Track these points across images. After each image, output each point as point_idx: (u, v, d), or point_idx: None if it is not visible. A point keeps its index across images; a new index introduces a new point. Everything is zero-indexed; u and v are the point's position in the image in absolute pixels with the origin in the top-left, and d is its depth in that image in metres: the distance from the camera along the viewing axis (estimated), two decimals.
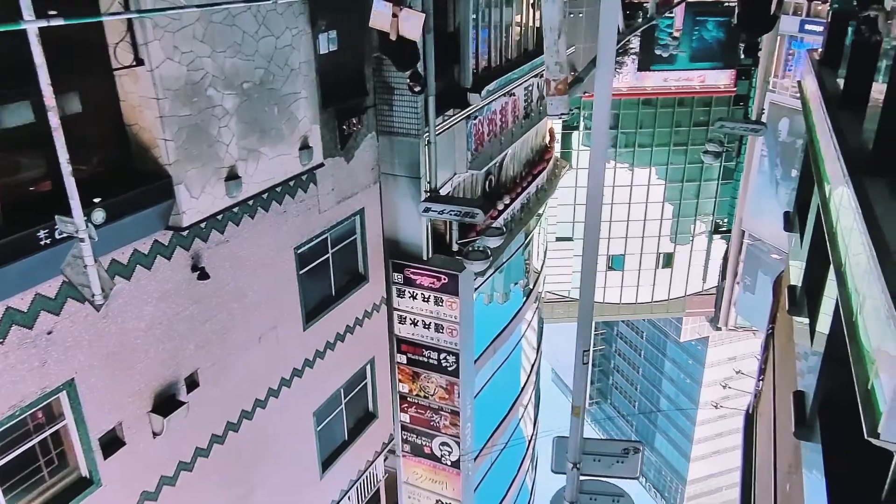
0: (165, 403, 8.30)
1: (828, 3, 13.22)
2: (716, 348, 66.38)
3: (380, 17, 8.28)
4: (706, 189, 46.39)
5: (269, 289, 9.61)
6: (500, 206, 16.15)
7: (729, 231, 44.54)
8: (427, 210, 11.67)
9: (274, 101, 8.72)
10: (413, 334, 13.06)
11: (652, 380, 77.10)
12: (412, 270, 12.56)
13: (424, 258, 12.64)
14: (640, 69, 42.68)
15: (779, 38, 26.71)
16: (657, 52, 38.79)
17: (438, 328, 12.76)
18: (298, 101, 9.14)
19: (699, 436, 72.34)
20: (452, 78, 13.75)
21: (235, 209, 8.63)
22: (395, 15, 8.26)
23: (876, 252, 5.45)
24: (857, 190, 6.59)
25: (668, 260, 48.31)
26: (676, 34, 37.43)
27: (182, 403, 8.39)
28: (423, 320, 12.83)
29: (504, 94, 15.29)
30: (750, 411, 18.50)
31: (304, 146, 9.39)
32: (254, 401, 9.87)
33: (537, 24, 17.95)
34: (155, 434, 8.26)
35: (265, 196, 9.10)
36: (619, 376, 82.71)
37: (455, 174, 13.92)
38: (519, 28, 16.94)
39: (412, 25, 8.37)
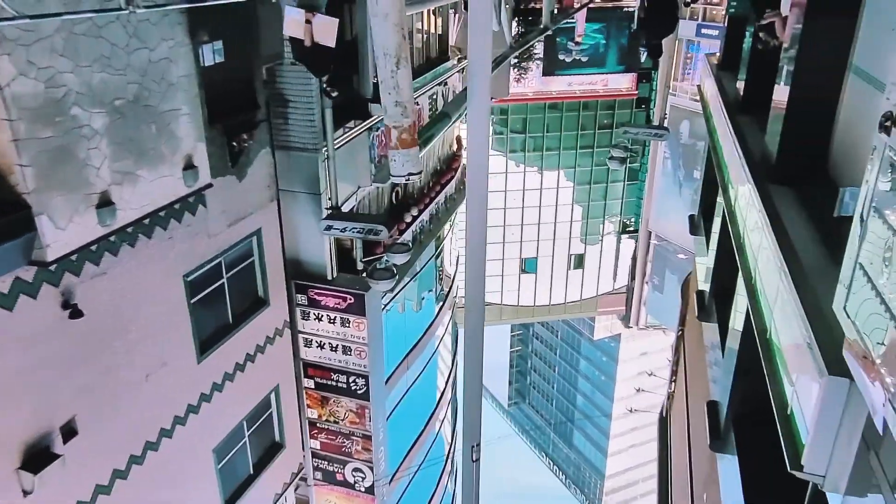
0: (37, 457, 7.41)
1: (724, 8, 13.29)
2: (628, 344, 67.78)
3: (293, 24, 7.88)
4: (613, 190, 47.20)
5: (157, 322, 8.81)
6: (408, 219, 15.69)
7: (636, 231, 45.45)
8: (328, 228, 11.06)
9: (151, 119, 7.96)
10: (320, 357, 12.41)
11: (568, 378, 78.05)
12: (316, 291, 11.93)
13: (329, 278, 12.03)
14: (544, 74, 43.06)
15: (676, 42, 27.28)
16: (560, 56, 39.16)
17: (346, 350, 12.17)
18: (179, 118, 8.39)
19: (615, 431, 73.55)
20: (352, 88, 13.20)
21: (112, 238, 7.82)
22: (308, 21, 7.84)
23: (786, 263, 5.22)
24: (763, 199, 6.40)
25: (580, 261, 48.94)
26: (579, 39, 37.88)
27: (57, 456, 7.53)
28: (329, 343, 12.20)
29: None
30: (664, 415, 18.59)
31: (189, 166, 8.64)
32: (144, 444, 9.04)
33: (439, 32, 17.62)
34: (25, 493, 7.37)
35: (147, 222, 8.31)
36: (537, 375, 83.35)
37: (359, 188, 13.38)
38: (421, 35, 16.56)
39: (326, 31, 7.95)
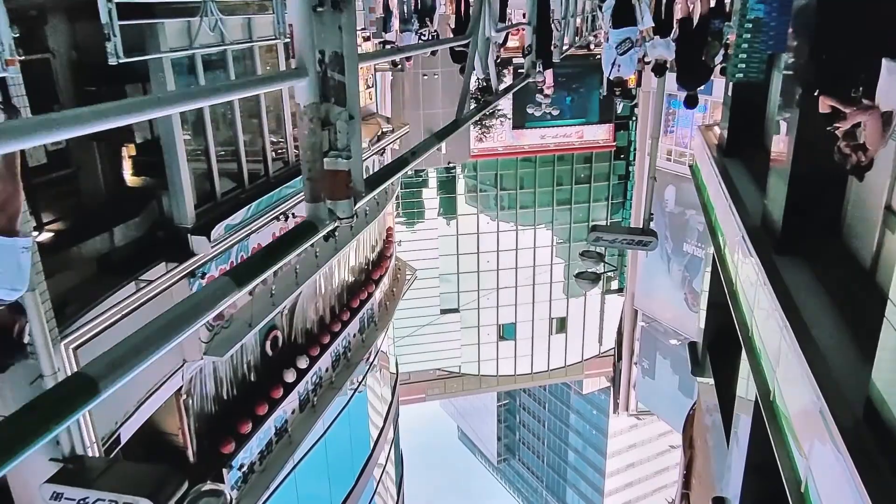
0: None
1: (718, 67, 9.03)
2: None
3: None
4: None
5: None
6: (290, 377, 10.52)
7: (621, 290, 40.44)
8: (56, 497, 5.88)
9: None
10: None
11: (558, 432, 73.89)
12: None
13: None
14: (514, 127, 38.53)
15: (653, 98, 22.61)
16: (529, 110, 34.47)
17: None
18: None
19: (609, 488, 69.16)
20: (160, 213, 8.16)
21: None
22: None
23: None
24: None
25: (562, 324, 43.86)
26: (548, 91, 33.19)
27: None
28: None
29: (275, 218, 9.70)
30: None
31: None
32: None
33: None
34: None
35: None
36: (526, 430, 78.98)
37: (183, 363, 8.28)
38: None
39: None
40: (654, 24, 7.44)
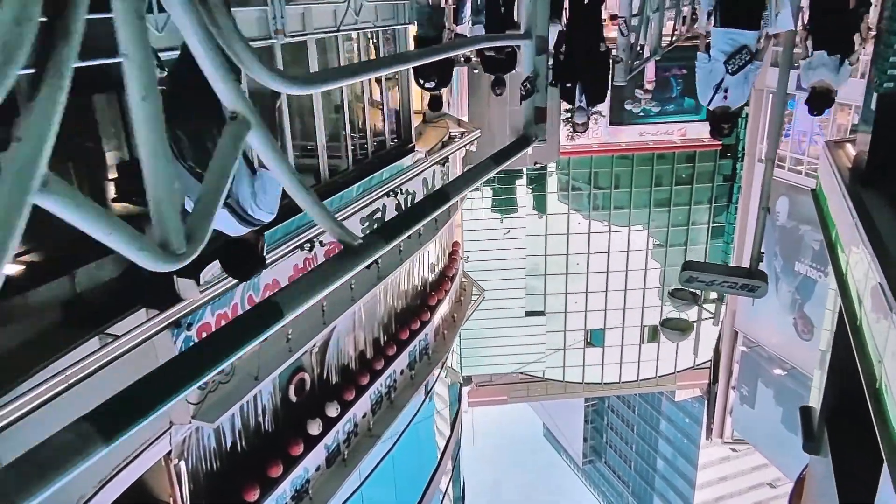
0: None
1: (871, 78, 6.34)
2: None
3: None
4: (693, 254, 39.23)
5: None
6: (315, 431, 8.94)
7: (721, 299, 37.23)
8: None
9: None
10: None
11: (647, 438, 70.84)
12: None
13: None
14: (611, 123, 35.87)
15: (770, 96, 19.73)
16: (628, 107, 31.78)
17: None
18: None
19: (699, 500, 65.71)
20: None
21: None
22: None
23: None
24: None
25: (654, 333, 40.95)
26: (649, 86, 30.48)
27: None
28: None
29: (299, 247, 8.09)
30: None
31: None
32: None
33: (394, 105, 10.87)
34: None
35: None
36: (613, 433, 76.37)
37: (170, 426, 6.82)
38: (360, 117, 9.83)
39: None
40: (804, 27, 5.06)
